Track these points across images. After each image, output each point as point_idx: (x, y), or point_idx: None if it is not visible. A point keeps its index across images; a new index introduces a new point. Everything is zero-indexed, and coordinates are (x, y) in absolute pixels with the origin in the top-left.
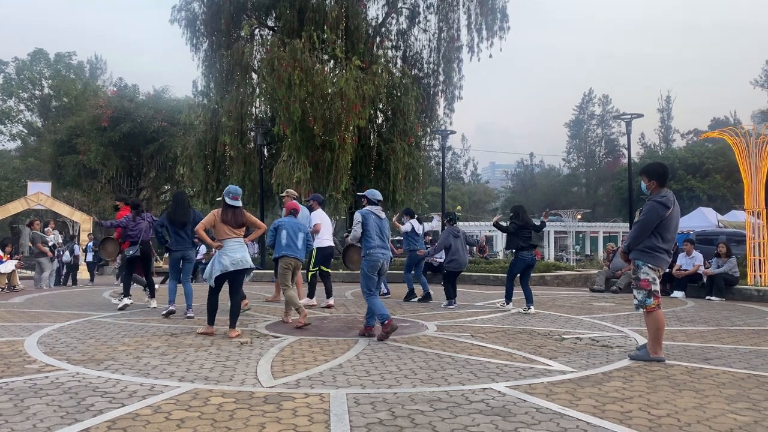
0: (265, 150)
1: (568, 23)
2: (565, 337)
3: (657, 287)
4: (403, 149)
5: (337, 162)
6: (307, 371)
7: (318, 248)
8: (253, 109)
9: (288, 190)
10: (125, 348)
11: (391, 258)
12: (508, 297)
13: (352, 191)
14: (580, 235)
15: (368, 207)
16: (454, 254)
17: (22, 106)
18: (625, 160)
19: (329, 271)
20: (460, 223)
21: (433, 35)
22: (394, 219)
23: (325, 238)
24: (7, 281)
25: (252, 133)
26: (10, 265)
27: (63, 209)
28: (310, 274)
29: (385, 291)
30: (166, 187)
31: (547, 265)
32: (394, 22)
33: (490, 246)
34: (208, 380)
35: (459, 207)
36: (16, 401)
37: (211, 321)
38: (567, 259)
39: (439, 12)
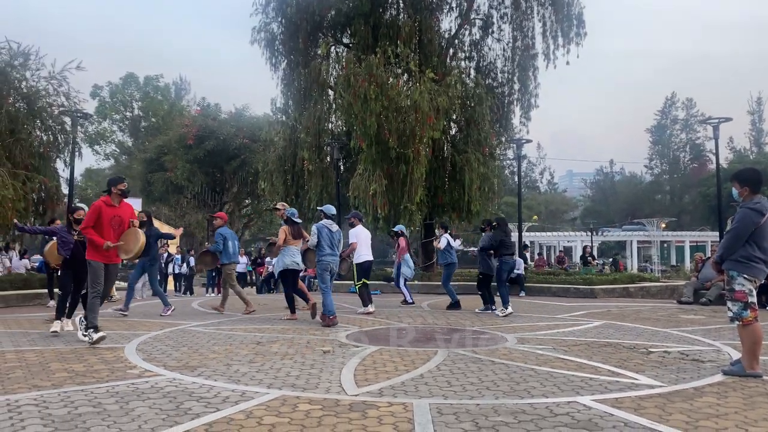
0: (342, 164)
1: (648, 24)
2: (652, 350)
3: (754, 299)
4: (477, 159)
5: (411, 174)
6: (389, 380)
7: (357, 264)
8: (330, 125)
9: (281, 203)
10: (215, 356)
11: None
12: (506, 302)
13: (426, 203)
14: (665, 245)
15: (323, 221)
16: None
17: (114, 127)
18: (712, 166)
19: (367, 281)
20: (537, 233)
21: (507, 44)
22: (434, 243)
23: (363, 253)
24: None
25: (328, 148)
26: None
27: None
28: (357, 286)
29: (410, 300)
30: (247, 201)
31: (631, 277)
32: (467, 33)
33: (569, 257)
34: (295, 387)
35: (535, 217)
36: (121, 403)
37: (292, 310)
38: (651, 269)
39: (512, 21)
